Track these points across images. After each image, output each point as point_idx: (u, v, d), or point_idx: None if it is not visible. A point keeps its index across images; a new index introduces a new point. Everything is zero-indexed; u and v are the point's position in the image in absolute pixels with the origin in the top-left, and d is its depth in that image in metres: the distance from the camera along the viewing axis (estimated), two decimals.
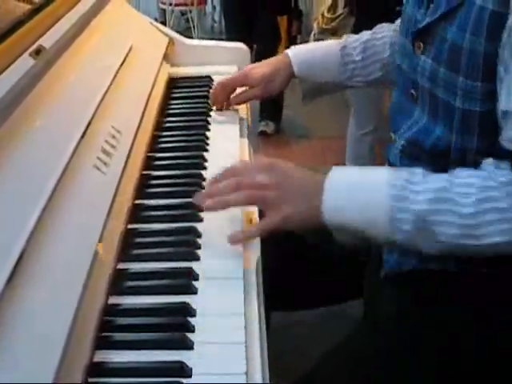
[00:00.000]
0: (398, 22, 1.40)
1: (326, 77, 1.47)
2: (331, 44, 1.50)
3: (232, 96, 1.52)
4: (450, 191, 0.96)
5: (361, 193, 0.99)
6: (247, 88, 1.52)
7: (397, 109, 1.23)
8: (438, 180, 0.98)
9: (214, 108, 1.54)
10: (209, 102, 1.56)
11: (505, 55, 0.95)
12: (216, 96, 1.52)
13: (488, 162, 1.00)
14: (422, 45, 1.11)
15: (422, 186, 0.97)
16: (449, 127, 1.07)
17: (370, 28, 1.47)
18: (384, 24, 1.47)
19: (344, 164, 3.35)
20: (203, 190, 1.14)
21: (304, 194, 1.02)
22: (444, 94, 1.06)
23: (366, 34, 1.46)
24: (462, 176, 0.98)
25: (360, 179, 1.02)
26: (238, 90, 1.53)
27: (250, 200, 1.06)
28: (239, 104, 1.54)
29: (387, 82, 1.46)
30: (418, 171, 1.00)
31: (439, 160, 1.09)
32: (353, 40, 1.46)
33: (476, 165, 1.02)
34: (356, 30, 2.82)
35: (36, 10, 1.22)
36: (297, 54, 1.48)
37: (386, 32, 1.44)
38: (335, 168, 1.04)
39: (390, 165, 1.23)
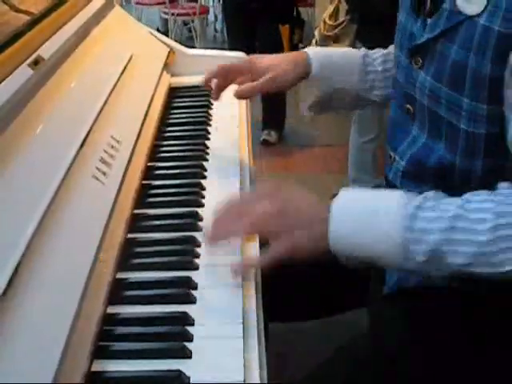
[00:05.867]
0: None
1: (344, 82, 1.37)
2: (351, 50, 1.44)
3: (236, 90, 1.34)
4: (464, 219, 0.89)
5: (371, 223, 0.92)
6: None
7: (394, 123, 1.21)
8: (452, 206, 0.91)
9: (212, 94, 1.40)
10: (209, 111, 1.57)
11: None
12: (214, 77, 1.37)
13: (504, 186, 0.93)
14: (420, 60, 1.08)
15: (436, 214, 0.90)
16: (452, 148, 1.04)
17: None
18: None
19: (347, 172, 3.35)
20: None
21: (309, 222, 0.97)
22: (447, 114, 1.03)
23: (384, 50, 1.41)
24: (476, 201, 0.91)
25: (369, 206, 0.94)
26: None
27: (253, 228, 1.01)
28: (244, 98, 1.46)
29: None
30: (430, 195, 0.93)
31: (444, 181, 1.06)
32: (373, 51, 1.41)
33: (482, 185, 0.97)
34: (358, 38, 2.84)
35: (35, 21, 1.22)
36: (316, 52, 1.37)
37: None
38: (342, 192, 0.97)
39: (388, 182, 1.20)
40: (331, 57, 1.38)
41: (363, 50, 1.41)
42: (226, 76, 1.37)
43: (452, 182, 1.06)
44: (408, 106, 1.13)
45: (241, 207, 1.02)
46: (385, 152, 1.25)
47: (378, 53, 1.40)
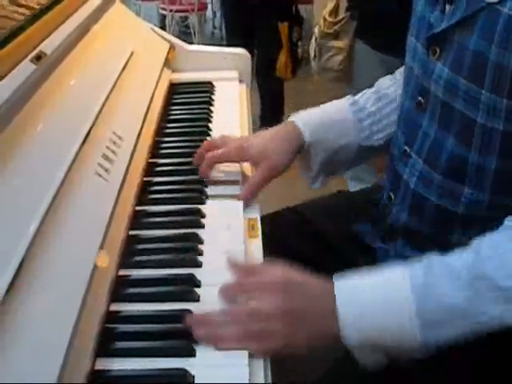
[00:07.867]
0: (397, 72, 1.34)
1: (342, 139, 1.27)
2: (338, 102, 1.33)
3: (239, 195, 1.19)
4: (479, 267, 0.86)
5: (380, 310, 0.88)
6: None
7: (406, 119, 1.16)
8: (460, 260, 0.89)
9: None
10: (210, 108, 1.56)
11: None
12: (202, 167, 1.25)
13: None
14: (437, 50, 1.04)
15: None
16: (466, 142, 1.01)
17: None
18: (385, 78, 1.35)
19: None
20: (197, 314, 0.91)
21: (313, 323, 0.90)
22: (463, 107, 0.99)
23: (370, 89, 1.34)
24: (486, 243, 0.89)
25: (375, 296, 0.89)
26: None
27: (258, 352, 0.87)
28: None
29: None
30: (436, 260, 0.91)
31: (454, 181, 1.04)
32: (361, 94, 1.33)
33: (493, 192, 0.98)
34: (356, 35, 2.82)
35: (37, 16, 1.21)
36: (302, 118, 1.27)
37: (389, 82, 1.34)
38: (339, 283, 0.91)
39: (398, 180, 1.17)
40: (319, 117, 1.29)
41: (350, 99, 1.33)
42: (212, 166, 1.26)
43: (462, 183, 1.03)
44: (420, 98, 1.10)
45: (245, 323, 0.89)
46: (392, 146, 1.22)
47: (366, 93, 1.33)
